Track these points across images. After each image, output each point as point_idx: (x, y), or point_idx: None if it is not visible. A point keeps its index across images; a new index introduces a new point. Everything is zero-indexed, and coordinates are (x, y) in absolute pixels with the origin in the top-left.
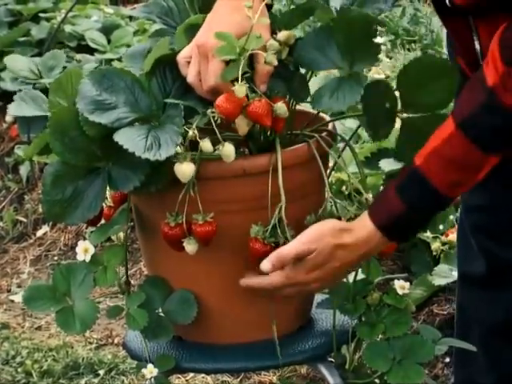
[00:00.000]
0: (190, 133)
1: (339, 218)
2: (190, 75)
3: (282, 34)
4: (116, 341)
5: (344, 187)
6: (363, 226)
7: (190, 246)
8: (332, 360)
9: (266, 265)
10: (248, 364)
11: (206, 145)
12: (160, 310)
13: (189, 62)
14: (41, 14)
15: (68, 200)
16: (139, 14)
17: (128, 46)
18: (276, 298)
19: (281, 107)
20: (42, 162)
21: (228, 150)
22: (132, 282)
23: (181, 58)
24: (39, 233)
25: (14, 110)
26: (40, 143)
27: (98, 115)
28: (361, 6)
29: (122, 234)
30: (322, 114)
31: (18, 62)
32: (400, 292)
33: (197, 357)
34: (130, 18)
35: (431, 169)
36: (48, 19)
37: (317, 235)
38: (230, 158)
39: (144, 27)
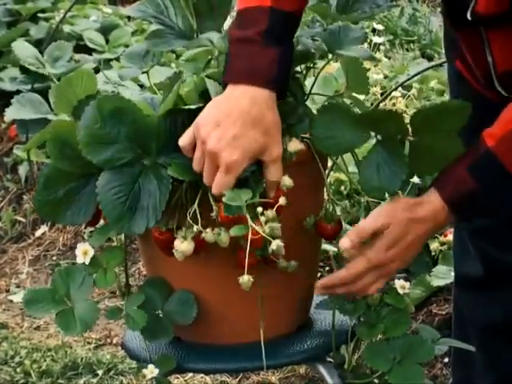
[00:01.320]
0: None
1: (339, 220)
2: (197, 166)
3: (292, 146)
4: (115, 341)
5: (342, 187)
6: (433, 201)
7: (179, 253)
8: (331, 360)
9: (345, 242)
10: (247, 364)
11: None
12: (160, 311)
13: (194, 148)
14: (39, 14)
15: (59, 201)
16: (134, 14)
17: (126, 46)
18: (356, 292)
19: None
20: (40, 162)
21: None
22: (131, 282)
23: (185, 144)
24: (38, 233)
25: (11, 113)
26: (41, 138)
27: (91, 151)
28: (359, 1)
29: (121, 235)
30: None
31: (25, 49)
32: (401, 291)
33: (196, 357)
34: (129, 18)
35: (505, 152)
36: (47, 19)
37: (391, 210)
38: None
39: (142, 27)
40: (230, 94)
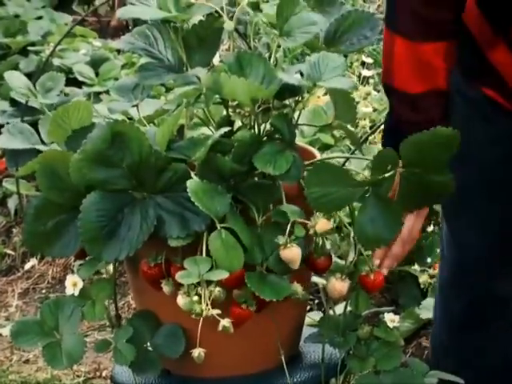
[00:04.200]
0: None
1: (329, 254)
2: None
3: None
4: (104, 374)
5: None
6: None
7: (168, 288)
8: None
9: None
10: None
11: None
12: (148, 344)
13: None
14: (29, 48)
15: (48, 234)
16: (123, 46)
17: (116, 79)
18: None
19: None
20: (30, 195)
21: None
22: (120, 315)
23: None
24: (27, 266)
25: (1, 142)
26: (31, 167)
27: (91, 167)
28: (347, 32)
29: (110, 267)
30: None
31: (17, 80)
32: (390, 325)
33: None
34: (118, 51)
35: None
36: (36, 52)
37: None
38: None
39: (132, 61)
40: None
